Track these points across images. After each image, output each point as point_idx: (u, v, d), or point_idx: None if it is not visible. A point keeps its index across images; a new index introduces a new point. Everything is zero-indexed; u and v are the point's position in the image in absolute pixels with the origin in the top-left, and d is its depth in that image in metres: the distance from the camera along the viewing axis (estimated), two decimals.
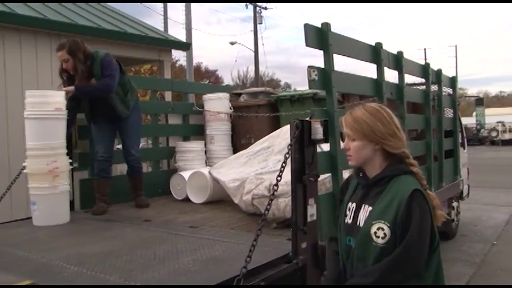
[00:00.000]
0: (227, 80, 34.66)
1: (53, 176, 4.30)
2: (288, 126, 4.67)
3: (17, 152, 5.52)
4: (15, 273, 3.30)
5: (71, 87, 4.56)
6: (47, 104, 4.29)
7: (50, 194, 4.28)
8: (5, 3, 6.96)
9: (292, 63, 61.56)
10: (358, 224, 2.03)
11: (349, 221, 2.08)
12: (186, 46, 9.96)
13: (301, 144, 2.96)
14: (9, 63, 6.63)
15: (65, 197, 4.46)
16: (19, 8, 6.98)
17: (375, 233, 1.92)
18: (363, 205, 2.04)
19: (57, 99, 4.37)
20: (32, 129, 4.32)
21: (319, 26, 3.65)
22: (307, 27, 3.49)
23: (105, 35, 7.75)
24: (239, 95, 7.02)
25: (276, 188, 2.69)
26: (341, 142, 2.05)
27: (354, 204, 2.09)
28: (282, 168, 2.74)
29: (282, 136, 4.65)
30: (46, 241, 3.74)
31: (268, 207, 2.66)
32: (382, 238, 1.91)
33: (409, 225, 1.86)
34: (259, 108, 6.27)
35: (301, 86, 67.63)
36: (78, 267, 2.86)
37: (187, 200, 5.20)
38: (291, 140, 2.90)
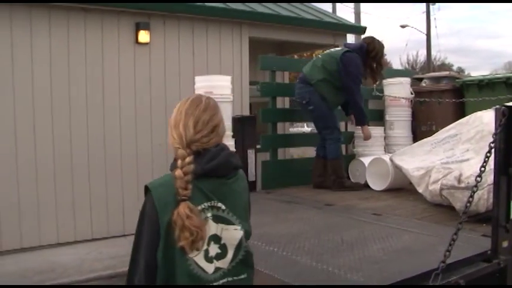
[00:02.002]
0: (396, 65, 33.21)
1: None
2: (478, 113, 4.36)
3: None
4: None
5: None
6: (213, 87, 4.54)
7: None
8: None
9: (465, 46, 56.92)
10: None
11: None
12: (361, 30, 9.73)
13: (508, 133, 2.70)
14: (197, 51, 7.15)
15: None
16: None
17: None
18: None
19: (221, 83, 4.67)
20: None
21: None
22: None
23: (282, 21, 7.94)
24: (420, 79, 6.71)
25: (479, 179, 2.49)
26: None
27: None
28: (487, 159, 2.52)
29: (471, 124, 4.31)
30: None
31: (471, 199, 2.47)
32: None
33: None
34: (442, 93, 5.91)
35: (475, 70, 62.20)
36: (269, 246, 2.98)
37: (365, 185, 5.12)
38: (495, 129, 2.66)
